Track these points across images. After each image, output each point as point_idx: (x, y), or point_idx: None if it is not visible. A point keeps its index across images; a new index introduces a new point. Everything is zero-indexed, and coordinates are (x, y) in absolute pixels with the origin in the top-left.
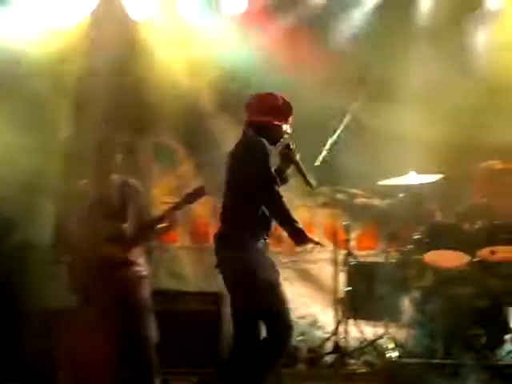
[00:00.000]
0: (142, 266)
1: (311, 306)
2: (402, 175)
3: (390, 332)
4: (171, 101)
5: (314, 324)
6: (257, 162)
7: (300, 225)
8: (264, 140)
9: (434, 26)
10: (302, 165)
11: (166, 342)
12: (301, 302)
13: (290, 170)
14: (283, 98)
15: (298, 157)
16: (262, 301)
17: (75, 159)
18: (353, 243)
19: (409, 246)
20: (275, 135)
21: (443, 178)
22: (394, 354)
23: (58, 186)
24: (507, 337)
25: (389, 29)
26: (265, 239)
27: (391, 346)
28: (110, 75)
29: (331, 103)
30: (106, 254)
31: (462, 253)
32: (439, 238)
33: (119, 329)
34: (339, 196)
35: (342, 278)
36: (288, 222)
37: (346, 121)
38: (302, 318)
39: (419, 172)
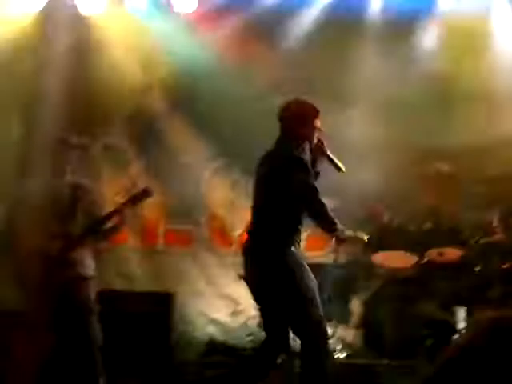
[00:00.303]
0: (88, 266)
1: None
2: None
3: (338, 333)
4: (121, 100)
5: (262, 325)
6: (302, 181)
7: (339, 225)
8: (302, 153)
9: (384, 26)
10: (331, 155)
11: (114, 343)
12: (250, 302)
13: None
14: (308, 103)
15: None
16: (300, 313)
17: (27, 158)
18: (302, 244)
19: (357, 247)
20: (309, 140)
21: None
22: (343, 355)
23: (8, 184)
24: (455, 337)
25: (339, 30)
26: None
27: (339, 346)
28: (59, 74)
29: None
30: (52, 253)
31: (409, 254)
32: (387, 239)
33: (63, 329)
34: None
35: None
36: (329, 224)
37: None
38: (251, 318)
39: (367, 173)
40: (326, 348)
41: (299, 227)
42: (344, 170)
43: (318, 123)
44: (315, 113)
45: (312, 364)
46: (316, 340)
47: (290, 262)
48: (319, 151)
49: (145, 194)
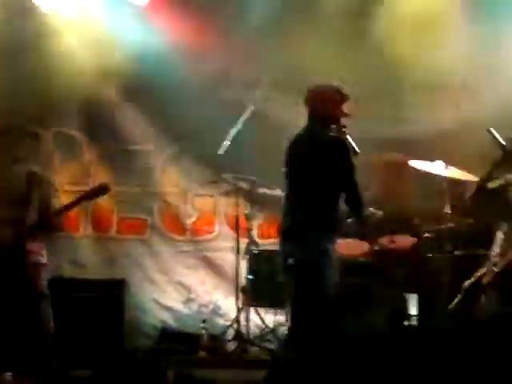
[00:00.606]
0: (40, 254)
1: (213, 294)
2: None
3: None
4: (74, 88)
5: (215, 312)
6: (346, 164)
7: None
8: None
9: (339, 14)
10: (349, 138)
11: (67, 330)
12: (203, 289)
13: None
14: (335, 87)
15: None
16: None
17: None
18: (255, 232)
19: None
20: (337, 123)
21: None
22: None
23: None
24: (406, 323)
25: (294, 16)
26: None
27: None
28: (11, 62)
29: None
30: (4, 241)
31: (362, 241)
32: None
33: (15, 315)
34: (242, 184)
35: (244, 266)
36: (362, 208)
37: (249, 110)
38: (204, 305)
39: None
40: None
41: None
42: (359, 152)
43: (345, 108)
44: (343, 97)
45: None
46: (315, 338)
47: (325, 260)
48: (340, 134)
49: (102, 190)
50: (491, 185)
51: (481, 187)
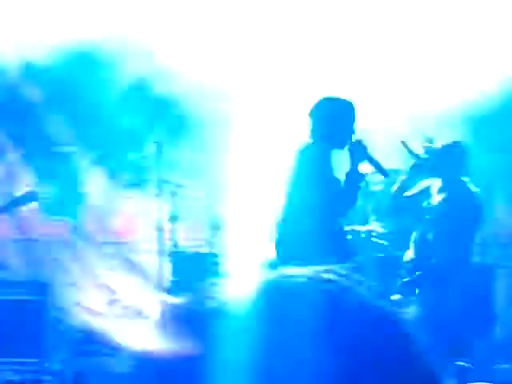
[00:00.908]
0: None
1: (136, 296)
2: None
3: None
4: None
5: (139, 314)
6: None
7: None
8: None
9: None
10: (375, 158)
11: None
12: (126, 291)
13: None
14: (343, 100)
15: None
16: None
17: None
18: (179, 234)
19: None
20: (346, 138)
21: None
22: None
23: None
24: None
25: None
26: None
27: None
28: None
29: None
30: None
31: None
32: None
33: None
34: (166, 187)
35: (168, 268)
36: None
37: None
38: (127, 307)
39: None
40: None
41: None
42: (387, 174)
43: (356, 123)
44: (352, 109)
45: None
46: None
47: None
48: (361, 152)
49: (29, 197)
50: (406, 193)
51: (395, 195)
